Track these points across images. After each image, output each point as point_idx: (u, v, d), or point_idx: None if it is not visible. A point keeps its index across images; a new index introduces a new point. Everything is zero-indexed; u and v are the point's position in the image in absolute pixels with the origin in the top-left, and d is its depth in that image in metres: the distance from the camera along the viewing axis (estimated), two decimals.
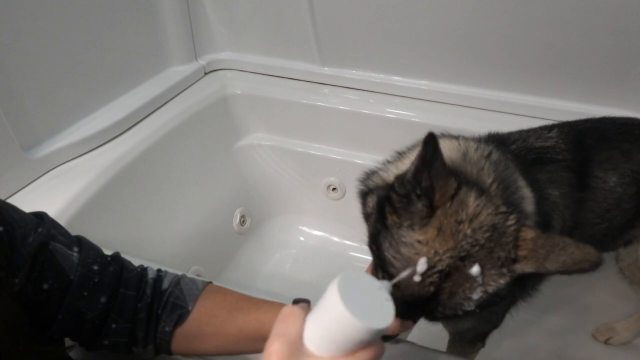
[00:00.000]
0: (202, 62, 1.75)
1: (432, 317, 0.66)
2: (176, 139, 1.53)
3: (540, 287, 1.05)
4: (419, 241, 0.62)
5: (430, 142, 0.58)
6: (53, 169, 1.30)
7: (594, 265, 0.56)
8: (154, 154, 1.43)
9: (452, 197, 0.62)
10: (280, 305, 0.74)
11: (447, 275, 0.61)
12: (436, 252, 0.61)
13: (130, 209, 1.35)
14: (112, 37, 1.44)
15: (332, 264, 1.76)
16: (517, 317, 1.52)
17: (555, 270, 0.58)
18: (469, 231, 0.61)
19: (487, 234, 0.61)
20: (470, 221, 0.61)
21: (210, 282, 0.84)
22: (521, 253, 0.60)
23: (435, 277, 0.61)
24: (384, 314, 0.48)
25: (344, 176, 1.73)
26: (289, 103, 1.69)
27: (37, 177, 1.24)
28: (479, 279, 0.61)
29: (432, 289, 0.61)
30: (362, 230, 1.76)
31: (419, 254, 0.61)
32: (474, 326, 1.00)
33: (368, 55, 1.58)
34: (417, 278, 0.61)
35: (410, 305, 0.64)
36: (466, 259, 0.61)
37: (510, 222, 0.62)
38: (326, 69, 1.66)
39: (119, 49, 1.48)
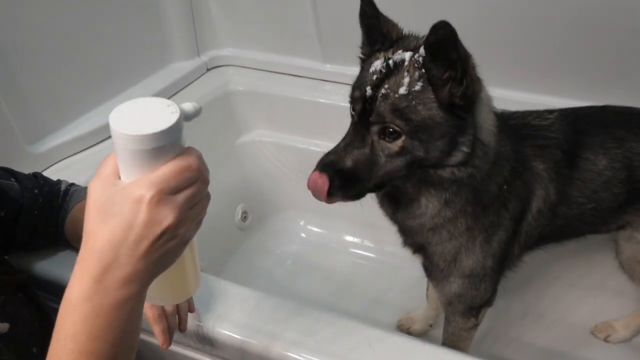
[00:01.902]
0: (204, 58, 1.76)
1: (377, 113, 0.79)
2: None
3: (524, 258, 1.12)
4: (377, 50, 0.85)
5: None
6: (56, 163, 1.30)
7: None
8: None
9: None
10: None
11: (392, 68, 0.79)
12: (392, 52, 0.82)
13: None
14: (115, 33, 1.45)
15: (332, 260, 1.76)
16: (515, 313, 1.53)
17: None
18: (415, 42, 0.83)
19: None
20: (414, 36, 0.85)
21: None
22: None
23: (385, 67, 0.80)
24: (162, 123, 0.49)
25: None
26: (291, 100, 1.69)
27: (40, 171, 1.25)
28: (405, 62, 0.78)
29: (380, 76, 0.79)
30: (363, 227, 1.77)
31: (377, 58, 0.82)
32: (461, 291, 1.03)
33: None
34: (373, 69, 0.80)
35: (364, 110, 0.80)
36: (407, 49, 0.81)
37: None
38: (328, 65, 1.66)
39: (121, 44, 1.48)
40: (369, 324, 0.91)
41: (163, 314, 0.82)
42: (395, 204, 0.95)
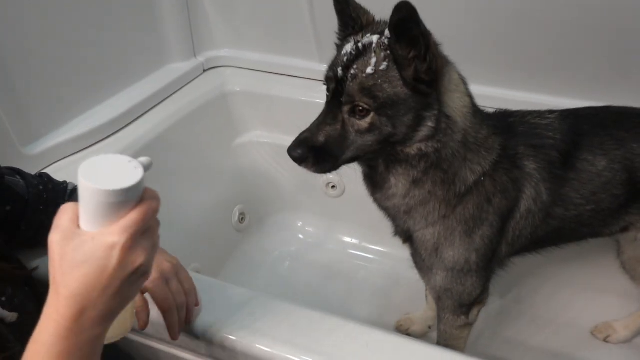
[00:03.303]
0: (201, 59, 1.75)
1: (347, 94, 0.84)
2: (174, 136, 1.53)
3: (514, 259, 1.13)
4: (349, 34, 0.90)
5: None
6: (51, 164, 1.29)
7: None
8: (152, 151, 1.42)
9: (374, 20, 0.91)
10: None
11: (362, 50, 0.84)
12: (362, 35, 0.87)
13: None
14: (111, 34, 1.44)
15: (331, 262, 1.75)
16: (512, 312, 1.53)
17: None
18: (385, 26, 0.84)
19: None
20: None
21: None
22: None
23: (354, 50, 0.85)
24: (130, 178, 0.54)
25: (343, 174, 1.72)
26: (288, 100, 1.68)
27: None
28: (373, 44, 0.83)
29: (350, 58, 0.85)
30: (361, 228, 1.76)
31: (349, 42, 0.88)
32: (446, 285, 1.03)
33: None
34: (344, 51, 0.86)
35: (336, 90, 0.86)
36: (375, 33, 0.85)
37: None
38: (325, 66, 1.65)
39: (117, 45, 1.47)
40: (367, 325, 0.90)
41: (175, 306, 0.84)
42: (373, 185, 0.99)
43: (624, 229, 1.14)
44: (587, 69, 1.36)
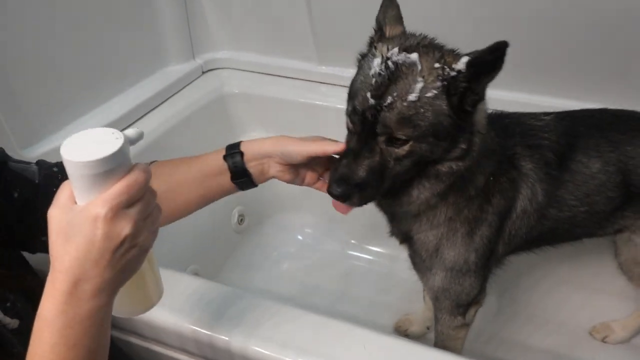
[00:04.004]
0: (199, 61, 1.75)
1: (383, 124, 0.77)
2: (173, 138, 1.53)
3: (510, 257, 1.13)
4: (374, 46, 0.83)
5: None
6: None
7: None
8: (150, 153, 1.42)
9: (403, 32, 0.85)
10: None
11: (396, 70, 0.76)
12: (387, 49, 0.79)
13: None
14: (109, 36, 1.44)
15: (330, 262, 1.76)
16: (512, 314, 1.53)
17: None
18: (414, 41, 0.81)
19: (428, 41, 0.82)
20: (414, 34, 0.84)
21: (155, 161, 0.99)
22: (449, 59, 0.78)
23: (384, 69, 0.77)
24: (108, 148, 0.54)
25: None
26: (286, 102, 1.69)
27: None
28: (418, 66, 0.76)
29: (382, 81, 0.77)
30: (360, 229, 1.76)
31: (375, 56, 0.80)
32: (445, 285, 1.03)
33: None
34: (372, 71, 0.78)
35: (367, 119, 0.78)
36: (409, 49, 0.78)
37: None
38: (324, 67, 1.66)
39: (116, 47, 1.47)
40: (366, 326, 0.90)
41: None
42: (384, 195, 0.94)
43: (618, 231, 1.15)
44: (584, 70, 1.36)
